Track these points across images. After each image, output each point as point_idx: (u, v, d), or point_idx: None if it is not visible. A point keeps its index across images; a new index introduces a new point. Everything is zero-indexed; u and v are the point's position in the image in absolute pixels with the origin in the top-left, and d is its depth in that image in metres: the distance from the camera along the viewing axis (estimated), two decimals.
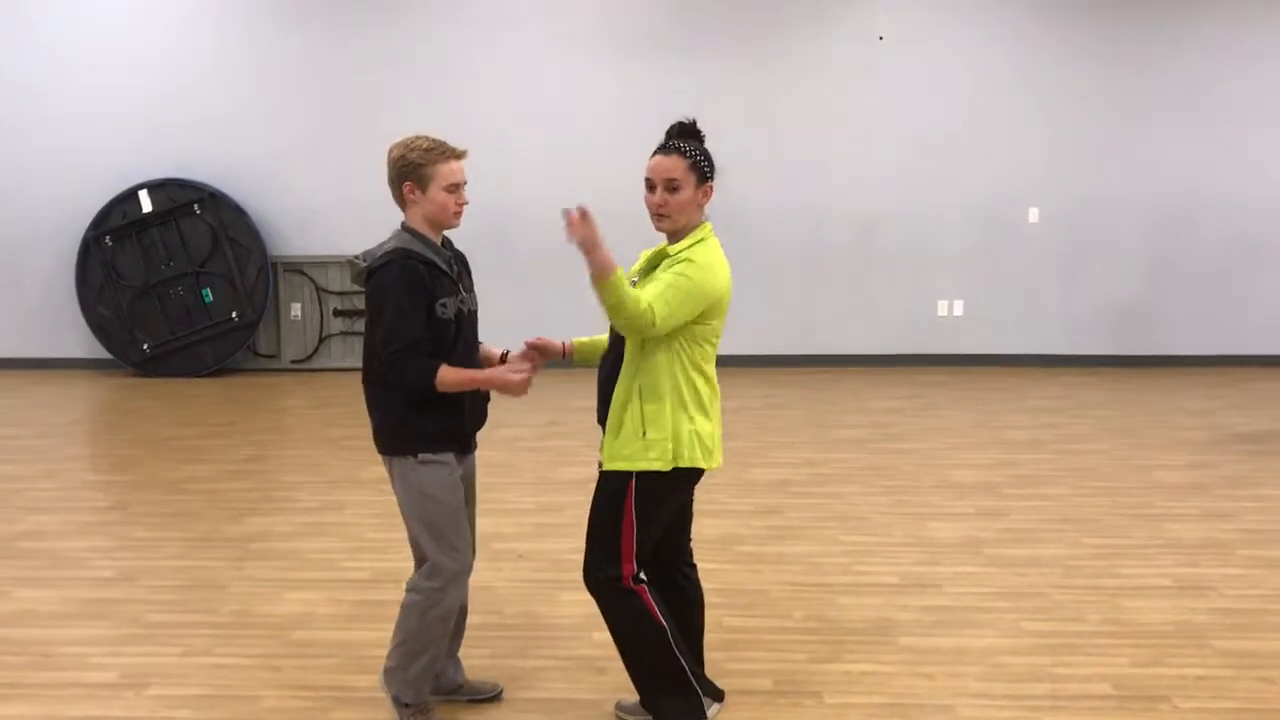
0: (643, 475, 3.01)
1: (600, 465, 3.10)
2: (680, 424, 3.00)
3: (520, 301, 9.05)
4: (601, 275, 2.81)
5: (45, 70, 9.22)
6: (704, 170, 3.06)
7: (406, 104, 9.06)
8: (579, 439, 6.82)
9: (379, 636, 3.74)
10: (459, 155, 3.15)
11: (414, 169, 3.10)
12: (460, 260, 3.30)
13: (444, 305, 3.09)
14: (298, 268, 9.37)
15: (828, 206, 9.36)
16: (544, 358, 3.30)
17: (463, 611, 3.45)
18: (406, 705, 3.27)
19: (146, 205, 9.10)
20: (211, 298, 9.16)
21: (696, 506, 3.45)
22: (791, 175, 9.29)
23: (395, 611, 3.29)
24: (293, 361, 9.48)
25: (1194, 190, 9.32)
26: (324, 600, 4.34)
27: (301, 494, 5.76)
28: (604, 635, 3.95)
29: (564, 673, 3.72)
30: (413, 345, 3.02)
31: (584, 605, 4.23)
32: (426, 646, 3.22)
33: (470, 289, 3.28)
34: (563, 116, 9.25)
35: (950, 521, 5.31)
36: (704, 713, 3.18)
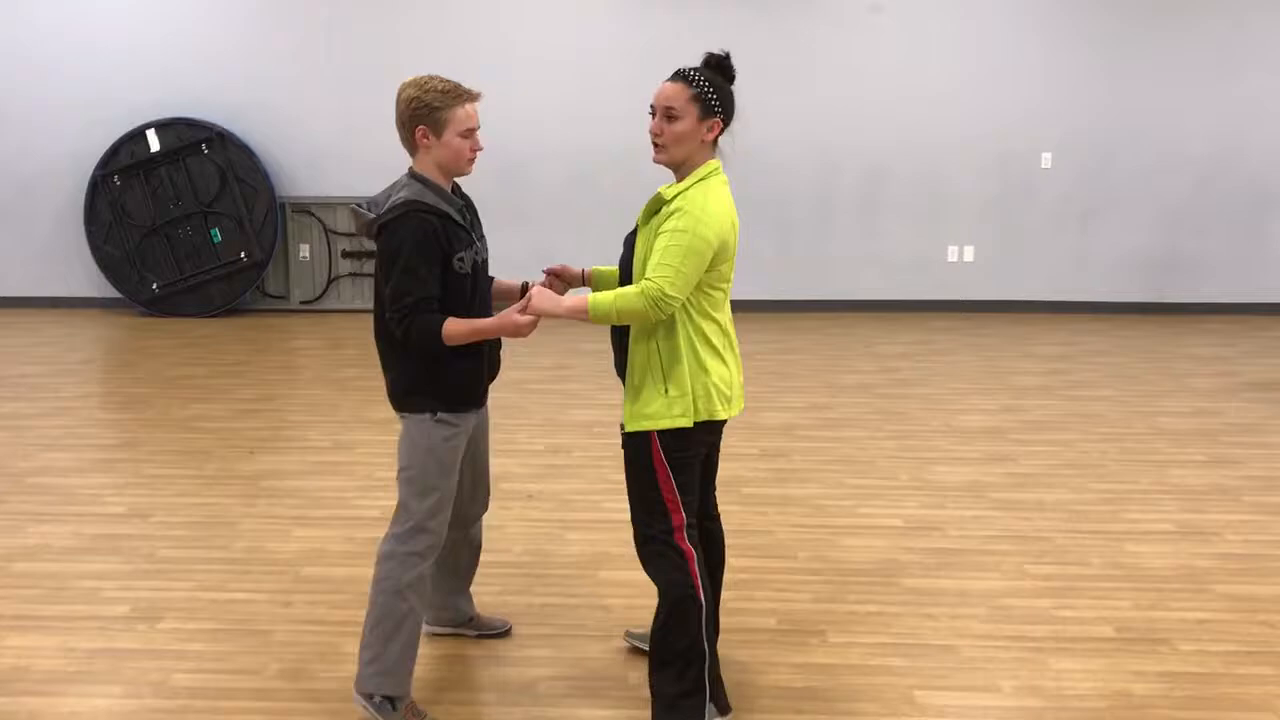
0: (665, 433, 2.85)
1: (623, 428, 2.93)
2: (698, 377, 2.86)
3: (530, 242, 9.03)
4: (584, 316, 2.77)
5: (53, 9, 9.14)
6: (709, 103, 2.81)
7: (418, 44, 8.98)
8: (588, 382, 6.84)
9: None
10: (475, 98, 2.97)
11: (429, 112, 2.91)
12: (471, 208, 3.14)
13: (460, 260, 2.95)
14: (306, 209, 9.34)
15: (840, 153, 9.28)
16: (565, 285, 3.16)
17: (476, 549, 3.47)
18: (392, 701, 3.02)
19: (155, 144, 9.05)
20: (220, 238, 9.14)
21: None
22: (804, 122, 9.19)
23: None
24: (301, 302, 9.49)
25: (1211, 137, 9.20)
26: (335, 538, 4.38)
27: (312, 433, 5.80)
28: (610, 573, 4.03)
29: (571, 610, 3.77)
30: (420, 303, 2.87)
31: (592, 544, 4.31)
32: (401, 624, 3.01)
33: (482, 236, 3.15)
34: (575, 57, 9.15)
35: (956, 466, 5.32)
36: (703, 715, 2.89)
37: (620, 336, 2.99)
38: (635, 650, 3.42)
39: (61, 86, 9.24)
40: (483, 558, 3.62)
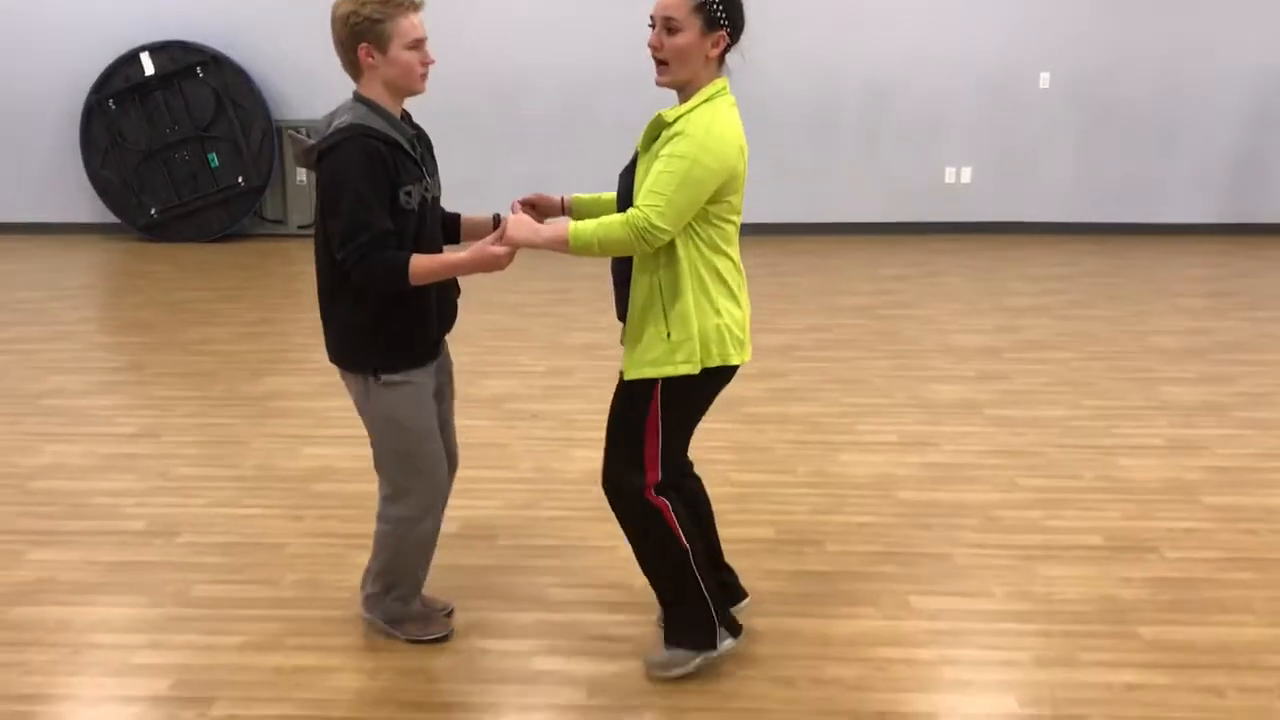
0: (670, 381, 2.67)
1: (621, 375, 2.74)
2: (707, 319, 2.65)
3: (526, 163, 9.03)
4: (564, 247, 2.58)
5: None
6: (713, 14, 2.54)
7: None
8: (586, 306, 6.91)
9: None
10: (418, 6, 2.72)
11: (370, 26, 2.65)
12: (423, 139, 2.89)
13: (408, 193, 2.70)
14: (303, 132, 9.30)
15: (837, 73, 9.23)
16: (541, 216, 2.90)
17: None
18: (396, 623, 3.10)
19: (149, 68, 8.99)
20: (217, 162, 9.13)
21: None
22: (801, 44, 9.13)
23: None
24: (299, 227, 9.49)
25: (1207, 57, 9.15)
26: (342, 455, 4.48)
27: (316, 355, 5.87)
28: None
29: (576, 522, 3.87)
30: (380, 237, 2.62)
31: (594, 461, 4.40)
32: (403, 575, 3.04)
33: (434, 172, 2.89)
34: None
35: (951, 384, 5.42)
36: (715, 640, 2.88)
37: (621, 275, 2.76)
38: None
39: (53, 9, 9.14)
40: (488, 473, 3.71)
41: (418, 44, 2.71)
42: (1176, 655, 3.03)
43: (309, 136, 2.77)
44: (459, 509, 3.88)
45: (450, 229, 3.04)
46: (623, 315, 2.76)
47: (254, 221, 9.44)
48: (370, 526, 3.13)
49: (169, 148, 9.09)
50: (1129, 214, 9.46)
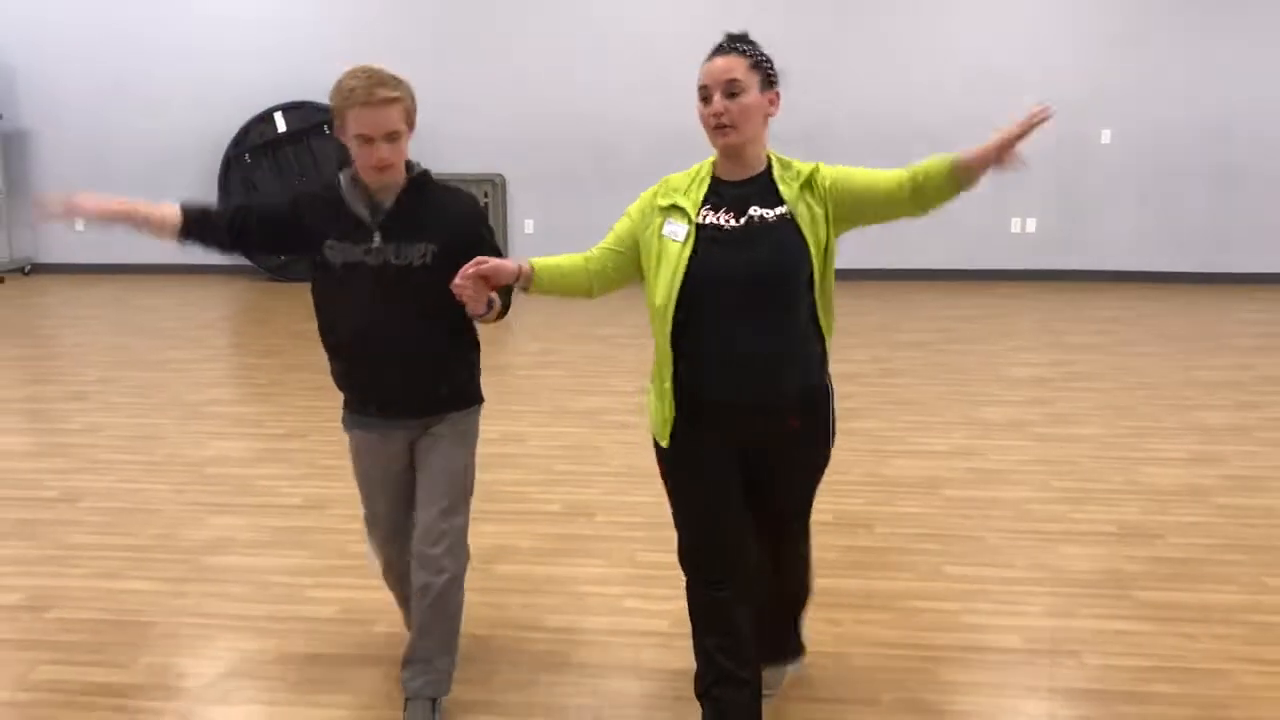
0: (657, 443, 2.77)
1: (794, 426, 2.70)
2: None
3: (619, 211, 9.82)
4: (521, 281, 2.66)
5: (189, 2, 10.16)
6: (769, 73, 2.57)
7: (522, 29, 9.82)
8: None
9: (513, 476, 4.60)
10: (370, 103, 2.59)
11: (334, 110, 2.68)
12: (402, 218, 2.73)
13: (331, 248, 2.72)
14: None
15: (905, 126, 9.91)
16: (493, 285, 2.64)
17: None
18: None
19: (281, 126, 10.03)
20: None
21: None
22: (869, 96, 9.84)
23: (537, 478, 4.12)
24: None
25: (1266, 112, 9.64)
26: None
27: None
28: None
29: (656, 505, 4.53)
30: (237, 209, 2.86)
31: None
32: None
33: (400, 247, 2.72)
34: (657, 46, 9.91)
35: (1000, 407, 6.00)
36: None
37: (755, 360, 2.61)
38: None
39: (198, 72, 10.28)
40: (587, 468, 4.36)
41: (365, 140, 2.62)
42: (1163, 611, 3.59)
43: None
44: (563, 495, 4.59)
45: None
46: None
47: None
48: (485, 504, 3.81)
49: None
50: (1187, 263, 9.92)
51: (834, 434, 2.83)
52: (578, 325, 8.07)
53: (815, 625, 3.50)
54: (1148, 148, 9.79)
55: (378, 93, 2.61)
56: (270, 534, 4.28)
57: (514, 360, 6.86)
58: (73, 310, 9.04)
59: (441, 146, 10.02)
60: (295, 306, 9.02)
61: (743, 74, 2.53)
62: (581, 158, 10.04)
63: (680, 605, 3.57)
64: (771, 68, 2.60)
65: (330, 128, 10.20)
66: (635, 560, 4.03)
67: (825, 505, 4.53)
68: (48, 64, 10.43)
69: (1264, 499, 4.61)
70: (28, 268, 10.83)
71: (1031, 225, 10.01)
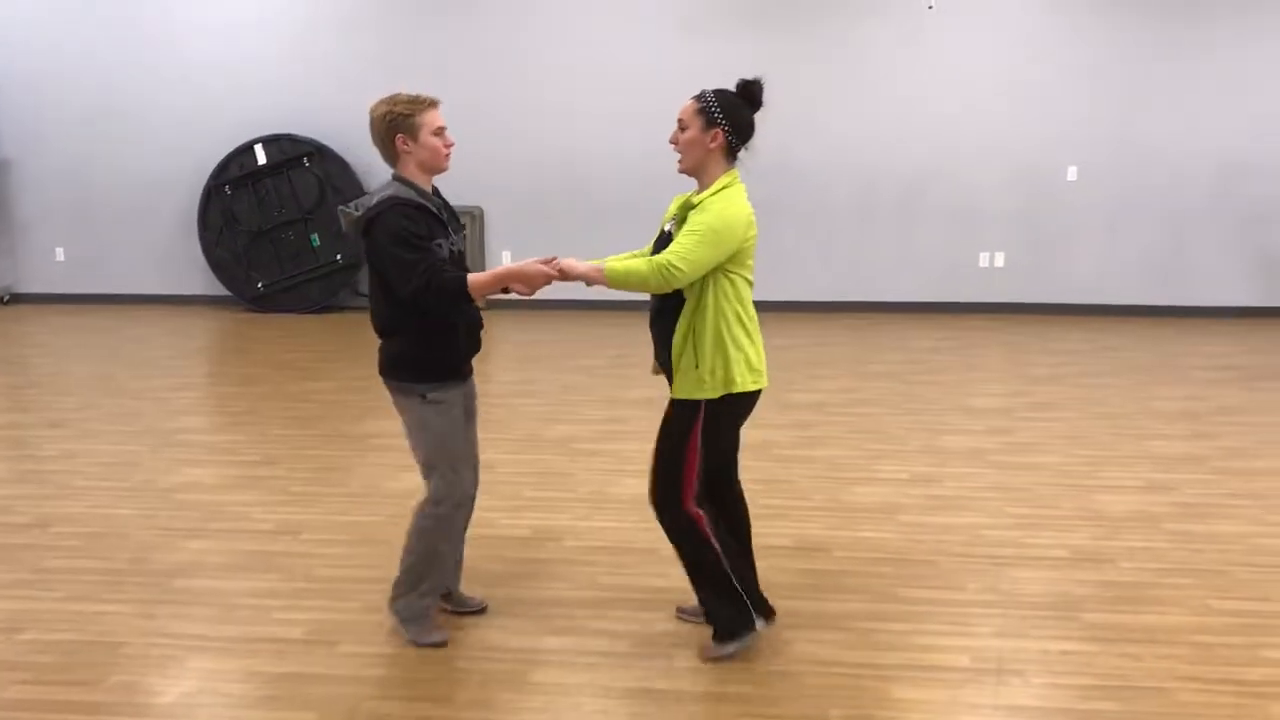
0: (707, 404, 3.34)
1: (669, 405, 3.42)
2: (733, 355, 3.32)
3: (591, 245, 9.97)
4: (602, 279, 3.27)
5: (174, 36, 10.30)
6: (712, 114, 3.27)
7: (499, 67, 10.00)
8: (642, 369, 7.74)
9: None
10: (436, 104, 3.41)
11: (403, 120, 3.33)
12: (448, 207, 3.52)
13: (439, 244, 3.34)
14: (351, 207, 10.36)
15: (878, 164, 10.10)
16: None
17: (465, 524, 3.80)
18: (410, 622, 3.61)
19: (261, 158, 10.15)
20: (319, 242, 10.21)
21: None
22: (844, 135, 10.04)
23: (506, 504, 4.23)
24: None
25: (1225, 151, 9.87)
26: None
27: None
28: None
29: (624, 530, 4.65)
30: (434, 266, 3.23)
31: (642, 487, 5.17)
32: (428, 571, 3.58)
33: (459, 230, 3.51)
34: (631, 81, 10.09)
35: (962, 436, 6.13)
36: (753, 623, 3.52)
37: (659, 331, 3.45)
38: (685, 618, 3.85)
39: (179, 106, 10.40)
40: (557, 494, 4.47)
41: (439, 131, 3.41)
42: (1109, 633, 3.71)
43: (357, 210, 3.40)
44: (532, 520, 4.70)
45: None
46: (659, 359, 3.51)
47: (349, 295, 10.49)
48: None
49: (276, 228, 10.20)
50: (1150, 297, 10.13)
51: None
52: (557, 357, 8.20)
53: (768, 644, 3.61)
54: (1111, 184, 10.01)
55: (433, 98, 3.42)
56: (241, 558, 4.36)
57: (491, 389, 6.96)
58: (52, 339, 9.11)
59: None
60: (274, 336, 9.11)
61: (689, 115, 3.32)
62: (557, 190, 10.19)
63: (639, 628, 3.66)
64: (716, 111, 3.29)
65: (309, 159, 10.25)
66: (598, 583, 4.13)
67: (785, 530, 4.66)
68: (29, 94, 10.54)
69: (1213, 525, 4.75)
70: (7, 297, 10.89)
71: (1000, 259, 10.19)
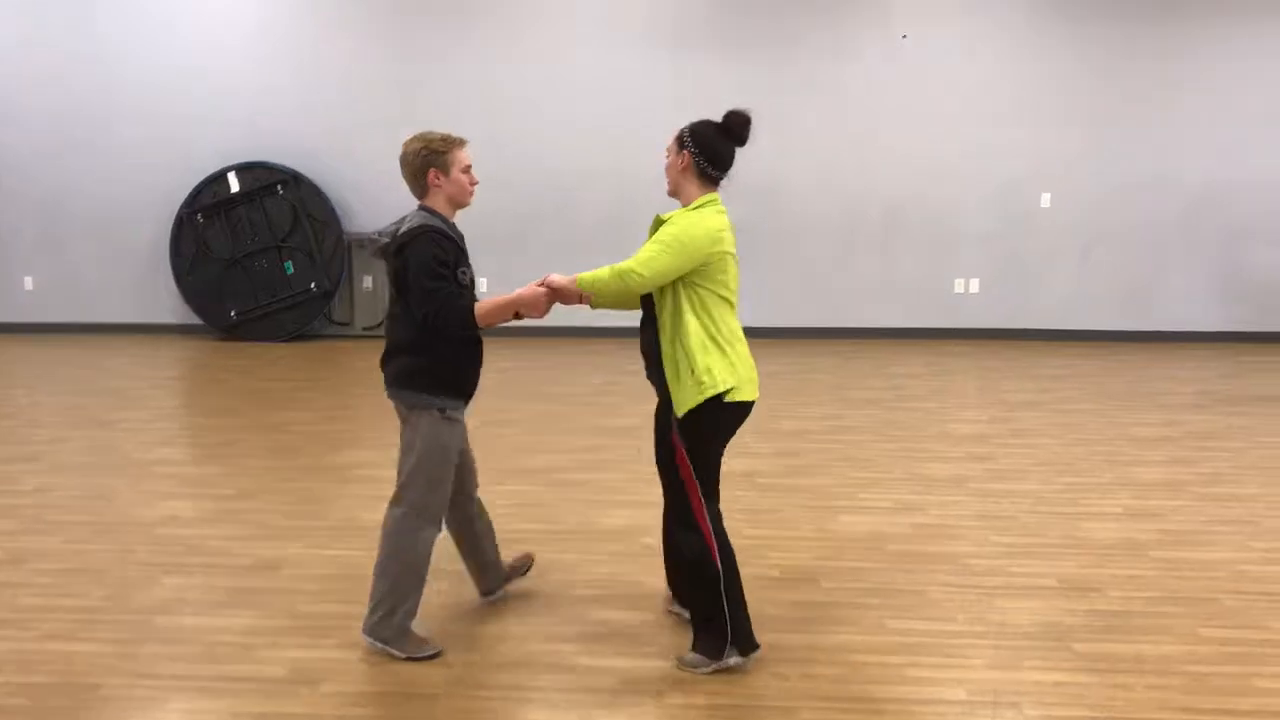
0: (704, 411, 3.47)
1: (675, 416, 3.54)
2: (714, 364, 3.46)
3: (576, 267, 9.95)
4: (581, 295, 3.54)
5: (148, 66, 10.22)
6: (682, 140, 3.58)
7: (476, 95, 9.99)
8: (628, 397, 7.71)
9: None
10: (465, 143, 3.70)
11: (437, 156, 3.61)
12: (462, 239, 3.74)
13: (463, 272, 3.62)
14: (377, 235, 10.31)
15: (856, 192, 10.16)
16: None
17: (486, 516, 4.13)
18: (396, 641, 3.70)
19: (235, 185, 10.07)
20: (292, 269, 10.13)
21: (726, 451, 3.96)
22: (823, 162, 10.09)
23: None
24: (364, 328, 10.44)
25: (1196, 177, 10.01)
26: None
27: (389, 434, 6.69)
28: (650, 539, 4.85)
29: (608, 562, 4.60)
30: (451, 294, 3.50)
31: (623, 518, 5.14)
32: (411, 590, 3.72)
33: (469, 263, 3.74)
34: (615, 105, 10.11)
35: (944, 463, 6.13)
36: (722, 655, 3.61)
37: (649, 351, 3.64)
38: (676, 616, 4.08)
39: (151, 133, 10.30)
40: (536, 526, 4.42)
41: (467, 169, 3.68)
42: (1100, 663, 3.70)
43: (388, 238, 3.67)
44: (513, 553, 4.64)
45: None
46: (651, 376, 3.68)
47: (323, 323, 10.40)
48: (441, 561, 3.85)
49: (249, 256, 10.12)
50: (1123, 322, 10.23)
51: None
52: (534, 384, 8.15)
53: (762, 680, 3.57)
54: (1085, 211, 10.11)
55: (462, 138, 3.71)
56: (220, 594, 4.28)
57: (468, 420, 6.89)
58: (24, 370, 8.96)
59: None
60: (253, 365, 9.01)
61: (671, 143, 3.65)
62: (535, 217, 10.17)
63: (627, 664, 3.63)
64: (686, 137, 3.60)
65: (283, 187, 10.20)
66: (585, 618, 4.08)
67: (774, 560, 4.63)
68: (0, 121, 10.41)
69: (1198, 553, 4.76)
70: None
71: (975, 285, 10.26)
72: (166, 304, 10.51)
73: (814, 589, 4.34)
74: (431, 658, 3.72)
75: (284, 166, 10.07)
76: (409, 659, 3.70)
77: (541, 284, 3.57)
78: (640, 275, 3.42)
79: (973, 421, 7.12)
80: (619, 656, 3.75)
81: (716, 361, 3.49)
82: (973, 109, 10.01)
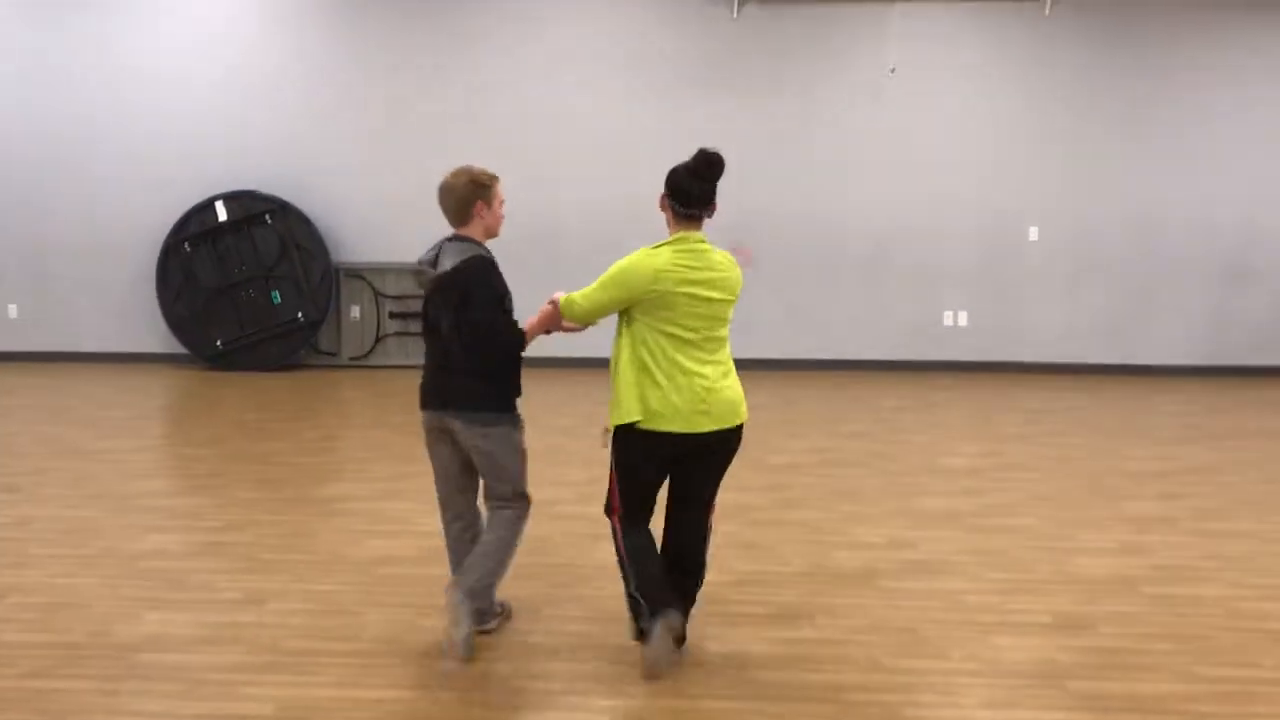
0: (616, 433, 3.79)
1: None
2: (630, 390, 3.71)
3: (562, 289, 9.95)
4: (559, 323, 3.98)
5: (133, 93, 10.21)
6: (665, 182, 3.83)
7: (462, 125, 10.00)
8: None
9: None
10: (499, 178, 4.10)
11: (483, 190, 3.99)
12: None
13: (507, 297, 4.00)
14: (358, 273, 10.29)
15: (844, 225, 10.20)
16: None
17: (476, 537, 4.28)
18: (483, 615, 4.08)
19: (222, 215, 10.05)
20: (280, 299, 10.09)
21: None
22: (811, 196, 10.13)
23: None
24: (351, 358, 10.39)
25: (1181, 214, 10.09)
26: (401, 546, 5.19)
27: (374, 466, 6.64)
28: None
29: (599, 598, 4.55)
30: (514, 324, 3.96)
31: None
32: (504, 571, 4.12)
33: None
34: (601, 141, 10.13)
35: (935, 498, 6.11)
36: (637, 631, 3.90)
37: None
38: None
39: (139, 162, 10.28)
40: (528, 560, 4.37)
41: (501, 203, 4.09)
42: (1096, 702, 3.67)
43: (431, 268, 4.00)
44: (508, 591, 4.59)
45: None
46: None
47: (310, 353, 10.35)
48: (433, 598, 3.79)
49: (236, 286, 10.08)
50: (1111, 356, 10.27)
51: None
52: (533, 415, 8.06)
53: (756, 717, 3.52)
54: (1072, 245, 10.16)
55: (495, 173, 4.07)
56: (206, 630, 4.21)
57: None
58: (3, 399, 8.88)
59: (396, 239, 10.11)
60: (239, 395, 8.94)
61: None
62: (524, 243, 10.15)
63: (626, 703, 3.58)
64: (666, 182, 3.80)
65: (271, 216, 10.26)
66: (578, 656, 4.03)
67: (765, 597, 4.59)
68: None
69: (1191, 588, 4.74)
70: None
71: (963, 318, 10.28)
72: (152, 333, 10.45)
73: (808, 626, 4.30)
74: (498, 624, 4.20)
75: (272, 196, 10.05)
76: (476, 632, 4.00)
77: (551, 302, 3.97)
78: (577, 304, 3.85)
79: (964, 455, 7.10)
80: (614, 696, 3.69)
81: (635, 392, 3.71)
82: (959, 142, 10.07)
